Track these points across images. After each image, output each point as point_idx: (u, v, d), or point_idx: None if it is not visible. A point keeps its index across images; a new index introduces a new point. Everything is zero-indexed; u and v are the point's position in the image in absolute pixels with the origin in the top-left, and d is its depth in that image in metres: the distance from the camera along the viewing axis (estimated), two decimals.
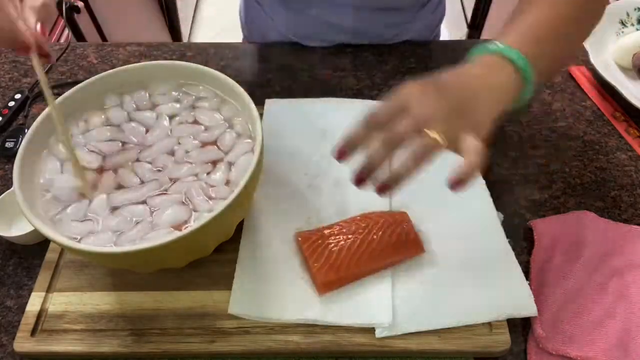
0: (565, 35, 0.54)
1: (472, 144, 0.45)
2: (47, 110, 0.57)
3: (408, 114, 0.46)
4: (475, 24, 2.06)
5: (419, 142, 0.45)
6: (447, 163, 0.72)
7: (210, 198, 0.54)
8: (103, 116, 0.61)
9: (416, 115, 0.45)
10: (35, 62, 0.53)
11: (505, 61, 0.49)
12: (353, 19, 0.84)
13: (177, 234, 0.47)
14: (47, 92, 0.54)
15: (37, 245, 0.63)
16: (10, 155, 0.72)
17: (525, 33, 0.52)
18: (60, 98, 0.58)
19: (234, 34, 1.08)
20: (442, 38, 0.99)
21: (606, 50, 0.83)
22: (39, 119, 0.56)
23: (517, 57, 0.49)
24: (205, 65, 0.62)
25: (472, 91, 0.48)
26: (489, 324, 0.54)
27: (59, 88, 0.82)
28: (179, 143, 0.59)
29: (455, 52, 0.86)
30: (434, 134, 0.45)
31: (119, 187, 0.56)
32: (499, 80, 0.49)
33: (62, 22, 1.38)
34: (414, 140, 0.45)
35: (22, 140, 0.54)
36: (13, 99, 0.79)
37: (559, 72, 0.81)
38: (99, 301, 0.57)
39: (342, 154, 0.47)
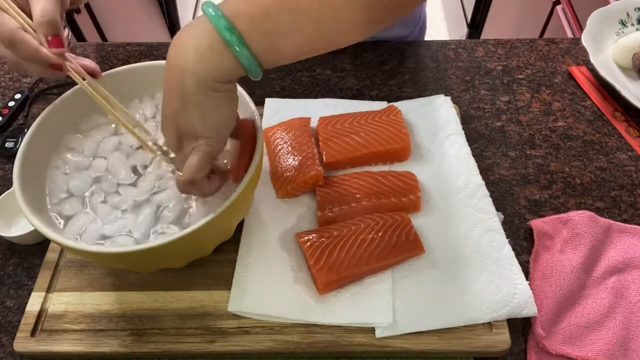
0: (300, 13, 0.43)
1: (188, 163, 0.47)
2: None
3: None
4: (475, 24, 2.05)
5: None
6: (447, 164, 0.72)
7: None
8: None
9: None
10: (84, 85, 0.52)
11: (214, 31, 0.42)
12: None
13: (177, 234, 0.47)
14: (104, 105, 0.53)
15: (37, 245, 0.63)
16: (10, 155, 0.72)
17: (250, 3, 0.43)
18: (59, 99, 0.58)
19: None
20: (442, 38, 0.99)
21: (606, 50, 0.83)
22: (39, 119, 0.56)
23: (225, 30, 0.41)
24: None
25: (183, 95, 0.44)
26: (489, 324, 0.54)
27: (59, 88, 0.82)
28: None
29: (455, 52, 0.86)
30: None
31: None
32: (210, 59, 0.43)
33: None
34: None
35: (22, 140, 0.54)
36: (13, 99, 0.79)
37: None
38: (99, 301, 0.57)
39: None
